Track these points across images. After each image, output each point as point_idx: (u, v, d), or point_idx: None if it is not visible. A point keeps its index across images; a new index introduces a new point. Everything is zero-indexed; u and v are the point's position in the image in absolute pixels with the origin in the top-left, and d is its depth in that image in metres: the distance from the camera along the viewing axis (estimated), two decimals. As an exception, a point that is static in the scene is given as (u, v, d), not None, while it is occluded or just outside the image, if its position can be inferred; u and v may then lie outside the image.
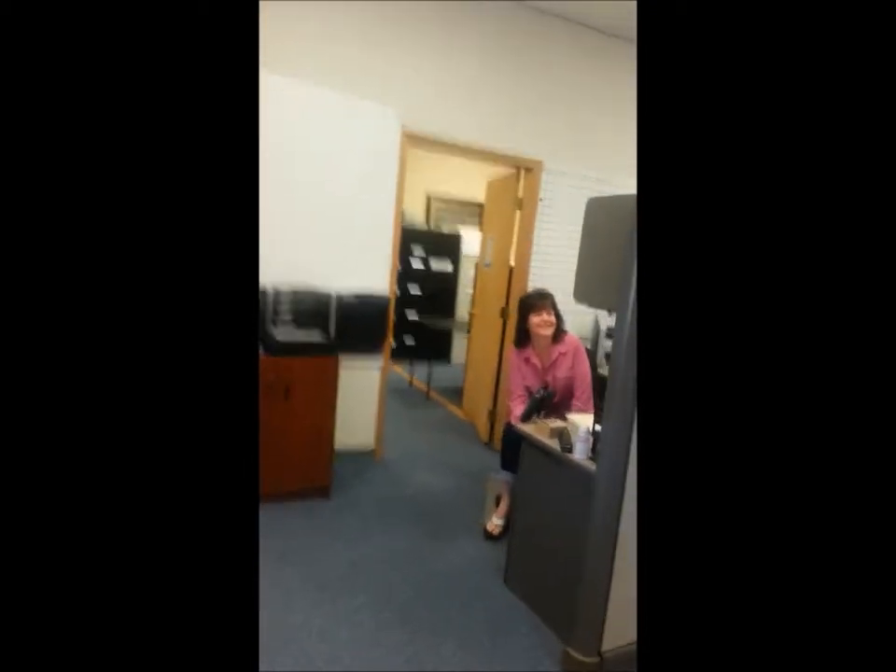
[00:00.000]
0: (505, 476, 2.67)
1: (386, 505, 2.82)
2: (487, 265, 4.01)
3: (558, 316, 2.64)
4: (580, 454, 1.91)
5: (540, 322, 2.59)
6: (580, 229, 3.64)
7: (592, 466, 1.85)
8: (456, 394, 4.87)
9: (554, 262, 3.58)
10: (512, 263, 3.56)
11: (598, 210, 1.83)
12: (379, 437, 3.31)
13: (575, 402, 2.64)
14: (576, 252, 3.70)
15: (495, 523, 2.66)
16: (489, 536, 2.63)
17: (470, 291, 6.01)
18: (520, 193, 3.47)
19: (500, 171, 4.09)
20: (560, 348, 2.66)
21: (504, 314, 3.62)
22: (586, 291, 1.85)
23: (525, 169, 3.39)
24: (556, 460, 2.00)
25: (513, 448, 2.59)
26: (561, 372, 2.65)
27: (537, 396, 2.49)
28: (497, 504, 2.85)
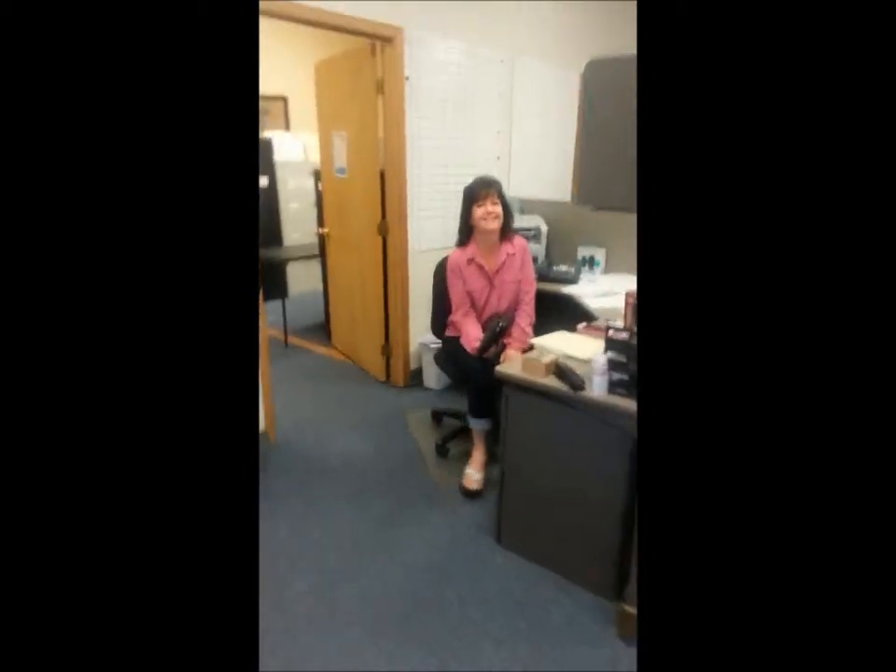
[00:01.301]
0: (479, 424, 2.26)
1: (316, 495, 2.23)
2: (340, 172, 3.26)
3: (506, 209, 2.19)
4: (599, 389, 1.58)
5: (485, 214, 2.14)
6: (455, 114, 3.11)
7: (616, 400, 1.55)
8: (318, 332, 4.18)
9: (432, 160, 3.01)
10: (382, 166, 2.90)
11: (603, 77, 1.35)
12: (269, 413, 2.60)
13: (520, 314, 2.29)
14: (462, 145, 3.20)
15: (473, 478, 2.25)
16: (470, 493, 2.22)
17: (295, 207, 5.09)
18: (379, 73, 2.74)
19: (328, 48, 3.23)
20: (508, 248, 2.26)
21: (382, 229, 3.00)
22: (595, 189, 1.42)
23: (382, 40, 2.65)
24: (565, 402, 1.65)
25: (482, 387, 2.14)
26: (510, 276, 2.27)
27: (496, 329, 2.11)
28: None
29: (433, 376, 3.23)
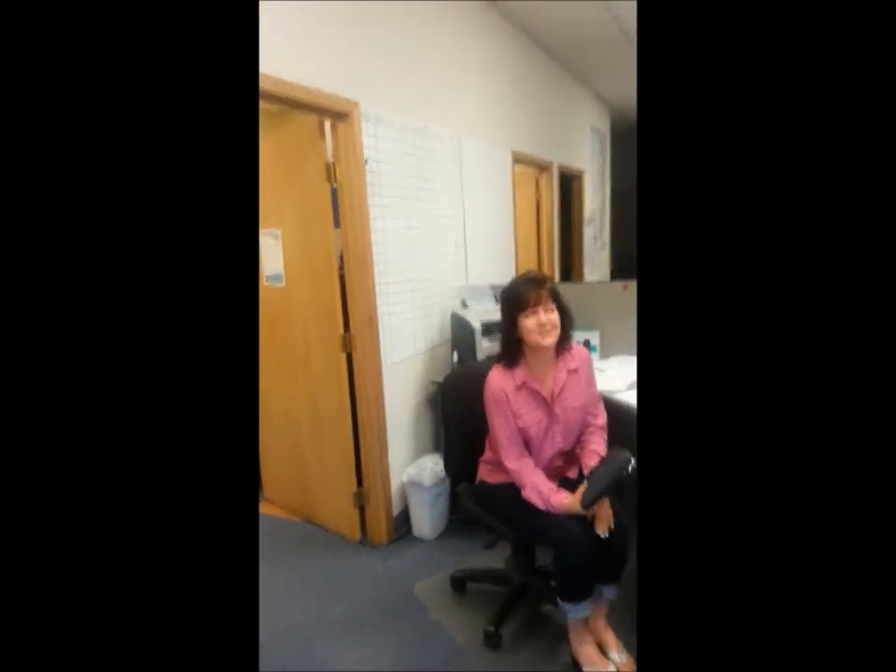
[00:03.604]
0: (580, 611, 1.61)
1: None
2: (274, 280, 2.56)
3: (565, 313, 1.63)
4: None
5: (537, 326, 1.57)
6: (414, 201, 2.59)
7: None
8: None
9: (396, 255, 2.47)
10: (341, 267, 2.28)
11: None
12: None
13: (588, 450, 1.74)
14: (421, 235, 2.66)
15: None
16: None
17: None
18: (328, 155, 2.19)
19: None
20: (567, 362, 1.69)
21: (346, 343, 2.34)
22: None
23: (335, 116, 2.12)
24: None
25: (581, 561, 1.53)
26: (575, 400, 1.69)
27: (618, 474, 1.50)
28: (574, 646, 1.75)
29: (425, 521, 2.52)
